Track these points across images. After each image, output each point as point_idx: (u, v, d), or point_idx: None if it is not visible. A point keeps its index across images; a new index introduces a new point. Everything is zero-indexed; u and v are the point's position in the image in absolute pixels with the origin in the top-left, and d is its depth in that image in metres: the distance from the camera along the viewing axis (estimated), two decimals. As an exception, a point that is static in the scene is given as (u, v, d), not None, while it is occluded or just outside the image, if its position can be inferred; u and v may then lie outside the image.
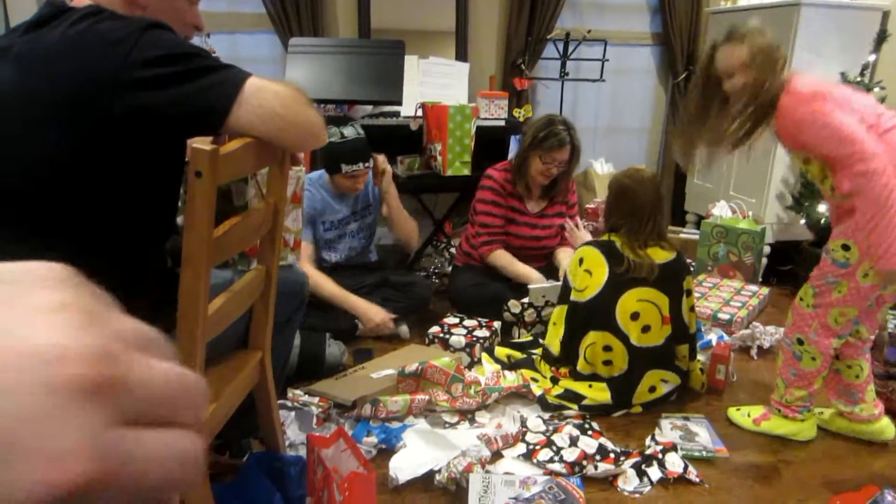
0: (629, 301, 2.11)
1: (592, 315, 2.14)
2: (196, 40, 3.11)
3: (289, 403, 1.98)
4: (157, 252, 1.30)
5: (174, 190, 1.27)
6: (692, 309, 2.22)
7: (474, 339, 2.44)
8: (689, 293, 2.21)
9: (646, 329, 2.12)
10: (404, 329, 2.63)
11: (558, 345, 2.22)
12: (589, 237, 2.78)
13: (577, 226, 2.90)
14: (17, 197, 1.11)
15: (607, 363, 2.14)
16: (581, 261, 2.19)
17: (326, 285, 2.50)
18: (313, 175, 2.65)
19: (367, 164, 2.55)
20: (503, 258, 2.76)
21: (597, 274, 2.14)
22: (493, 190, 2.78)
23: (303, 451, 1.76)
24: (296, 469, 1.53)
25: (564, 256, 2.77)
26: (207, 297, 1.12)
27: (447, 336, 2.45)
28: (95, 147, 1.10)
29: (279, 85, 1.17)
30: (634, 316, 2.11)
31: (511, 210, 2.80)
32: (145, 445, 0.23)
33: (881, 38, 3.18)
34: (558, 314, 2.25)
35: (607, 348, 2.13)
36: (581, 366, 2.16)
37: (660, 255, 2.16)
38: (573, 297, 2.18)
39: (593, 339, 2.13)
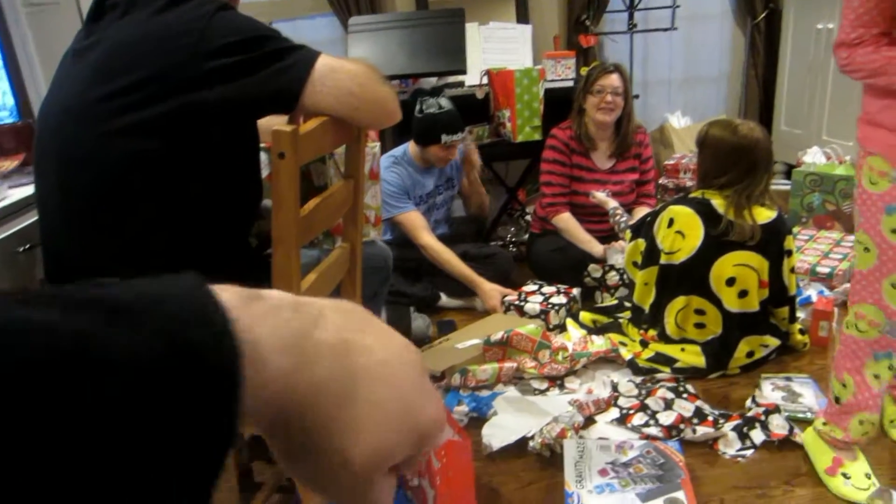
0: (725, 266, 2.01)
1: (684, 279, 2.05)
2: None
3: (378, 377, 2.02)
4: (244, 235, 1.32)
5: (254, 171, 1.28)
6: (792, 270, 2.10)
7: (549, 305, 2.40)
8: (790, 253, 2.08)
9: (742, 294, 2.02)
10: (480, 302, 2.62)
11: (649, 305, 2.16)
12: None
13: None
14: (111, 194, 1.14)
15: (699, 326, 2.06)
16: (671, 221, 2.09)
17: (454, 262, 2.52)
18: (396, 152, 2.67)
19: (463, 135, 2.60)
20: (567, 222, 2.70)
21: (690, 237, 2.04)
22: (555, 149, 2.73)
23: (396, 423, 1.79)
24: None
25: (601, 196, 2.67)
26: (300, 276, 1.14)
27: (523, 304, 2.43)
28: (178, 138, 1.12)
29: (352, 63, 1.16)
30: (730, 281, 2.01)
31: (578, 168, 2.73)
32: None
33: None
34: (648, 274, 2.17)
35: (699, 311, 2.05)
36: (671, 329, 2.09)
37: (762, 215, 2.04)
38: (663, 259, 2.10)
39: (684, 303, 2.06)
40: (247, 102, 1.12)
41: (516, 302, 2.44)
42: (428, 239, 2.53)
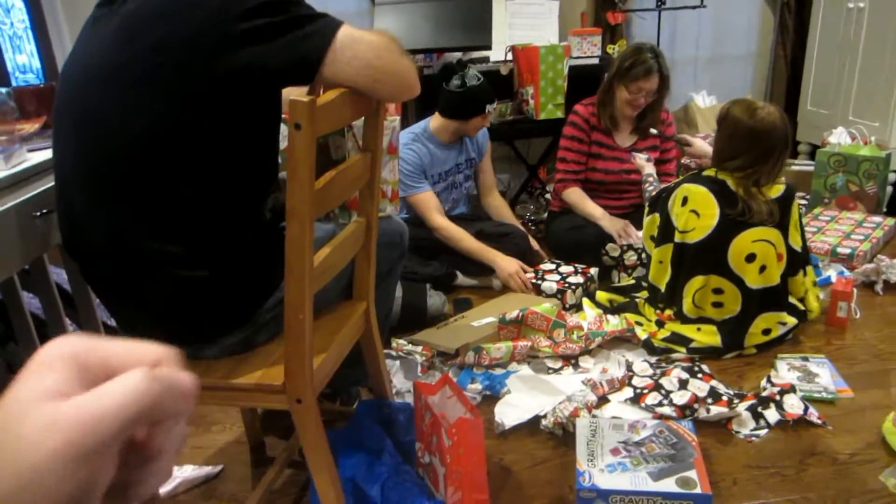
0: (743, 243, 1.99)
1: (701, 258, 2.04)
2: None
3: (393, 353, 2.04)
4: (260, 207, 1.33)
5: (273, 143, 1.28)
6: (801, 229, 2.11)
7: (566, 285, 2.39)
8: (796, 208, 2.10)
9: (762, 269, 2.01)
10: (498, 281, 2.62)
11: (665, 284, 2.14)
12: (708, 148, 2.60)
13: (688, 142, 2.74)
14: (128, 162, 1.14)
15: (717, 305, 2.05)
16: (685, 200, 2.08)
17: (465, 239, 2.52)
18: (416, 128, 2.66)
19: (496, 102, 2.64)
20: (574, 194, 2.69)
21: (705, 216, 2.02)
22: (574, 125, 2.70)
23: (409, 399, 1.80)
24: (405, 415, 1.57)
25: (641, 158, 2.66)
26: (313, 249, 1.15)
27: (540, 282, 2.42)
28: (199, 106, 1.12)
29: (373, 34, 1.16)
30: (750, 258, 1.99)
31: (597, 145, 2.70)
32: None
33: None
34: (663, 252, 2.16)
35: (718, 290, 2.03)
36: (688, 309, 2.08)
37: (774, 190, 2.03)
38: (678, 238, 2.09)
39: (702, 283, 2.04)
40: (267, 69, 1.11)
41: (533, 280, 2.44)
42: (440, 220, 2.53)
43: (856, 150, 3.11)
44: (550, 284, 2.40)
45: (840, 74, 3.49)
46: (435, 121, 2.65)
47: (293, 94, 1.05)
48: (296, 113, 1.03)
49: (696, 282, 2.05)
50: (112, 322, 1.83)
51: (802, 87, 3.86)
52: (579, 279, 2.43)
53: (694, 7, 3.50)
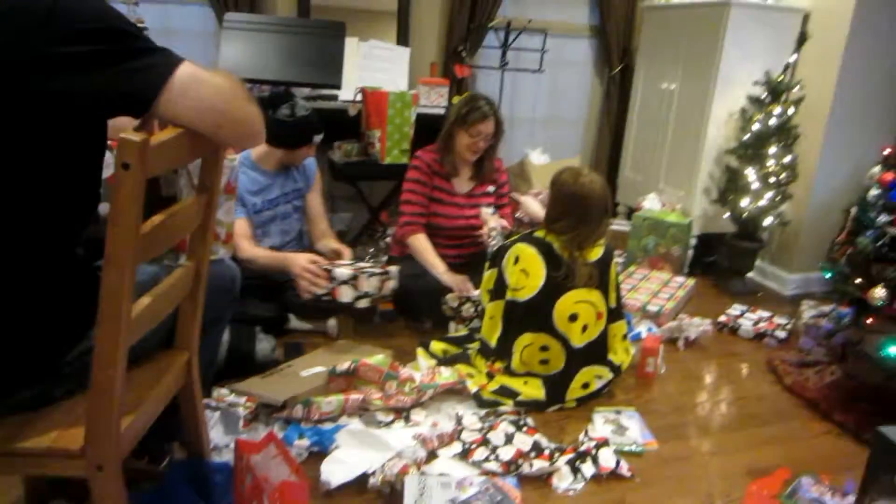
0: (567, 303, 2.12)
1: (528, 316, 2.14)
2: (123, 9, 2.91)
3: (213, 403, 1.89)
4: (72, 241, 1.19)
5: (93, 173, 1.15)
6: (617, 287, 2.28)
7: (360, 271, 2.34)
8: (613, 270, 2.26)
9: (584, 329, 2.14)
10: (332, 324, 2.56)
11: (496, 339, 2.21)
12: (539, 207, 2.75)
13: (519, 201, 2.88)
14: None
15: (544, 362, 2.15)
16: (517, 259, 2.18)
17: (260, 254, 2.39)
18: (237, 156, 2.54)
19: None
20: (418, 241, 2.72)
21: (533, 275, 2.13)
22: (418, 169, 2.76)
23: (228, 456, 1.68)
24: (222, 476, 1.46)
25: (487, 212, 2.74)
26: (132, 299, 1.04)
27: (332, 268, 2.32)
28: (8, 125, 0.99)
29: (218, 76, 1.08)
30: (573, 318, 2.12)
31: (437, 190, 2.77)
32: None
33: (801, 39, 3.31)
34: (495, 308, 2.24)
35: (544, 348, 2.14)
36: (516, 364, 2.16)
37: (594, 253, 2.19)
38: (509, 295, 2.17)
39: (530, 340, 2.14)
40: (92, 99, 1.01)
41: (326, 265, 2.34)
42: (248, 250, 2.37)
43: (665, 215, 3.47)
44: (343, 270, 2.32)
45: (654, 145, 3.89)
46: (258, 148, 2.56)
47: (126, 131, 0.95)
48: (125, 152, 0.93)
49: (525, 338, 2.14)
50: None
51: (623, 154, 4.25)
52: (375, 269, 2.39)
53: (533, 71, 3.75)
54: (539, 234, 2.22)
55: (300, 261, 2.33)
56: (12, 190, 1.04)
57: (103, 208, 1.22)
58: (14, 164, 1.02)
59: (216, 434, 1.79)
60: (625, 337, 2.31)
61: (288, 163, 2.59)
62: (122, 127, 1.01)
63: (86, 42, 0.98)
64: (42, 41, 0.95)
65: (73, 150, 1.09)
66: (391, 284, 2.43)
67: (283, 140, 2.51)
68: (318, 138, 2.59)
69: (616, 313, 2.28)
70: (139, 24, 2.69)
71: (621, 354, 2.29)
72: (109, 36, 1.00)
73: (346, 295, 2.30)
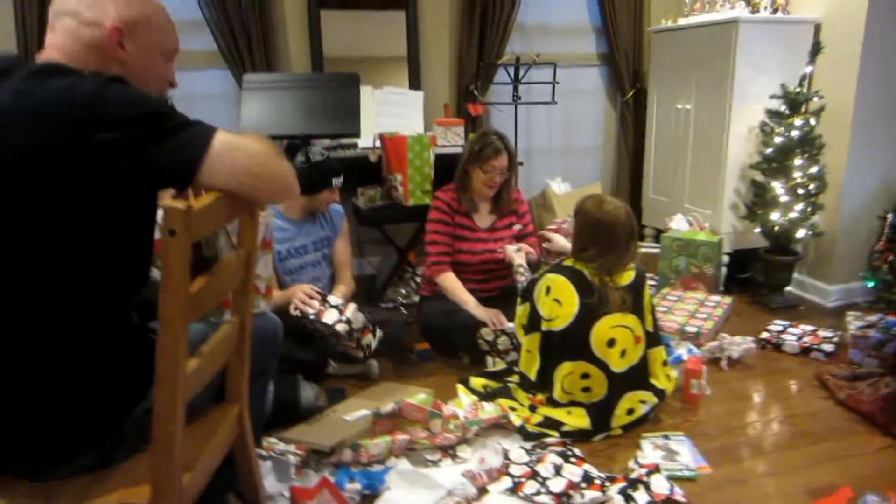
0: (603, 328, 2.12)
1: (566, 345, 2.14)
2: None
3: (264, 453, 1.92)
4: (128, 308, 1.24)
5: (146, 243, 1.22)
6: (652, 311, 2.25)
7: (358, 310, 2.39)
8: (647, 292, 2.24)
9: (623, 353, 2.13)
10: (374, 365, 2.58)
11: (535, 371, 2.21)
12: (566, 242, 2.76)
13: (548, 238, 2.90)
14: None
15: (586, 390, 2.14)
16: (548, 289, 2.19)
17: (277, 296, 2.42)
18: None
19: (342, 177, 2.67)
20: (447, 281, 2.75)
21: (566, 304, 2.14)
22: (439, 209, 2.80)
23: (283, 504, 1.70)
24: (281, 525, 1.47)
25: (511, 251, 2.75)
26: (186, 359, 1.08)
27: (326, 294, 2.41)
28: (58, 205, 1.06)
29: (249, 139, 1.14)
30: (611, 343, 2.11)
31: (459, 227, 2.81)
32: None
33: (815, 49, 3.31)
34: (531, 342, 2.24)
35: (585, 376, 2.13)
36: (558, 394, 2.15)
37: (625, 277, 2.19)
38: (544, 326, 2.18)
39: (570, 369, 2.13)
40: (138, 179, 1.08)
41: (322, 292, 2.40)
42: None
43: (694, 235, 3.45)
44: (335, 297, 2.40)
45: (675, 166, 3.90)
46: None
47: (169, 199, 1.00)
48: (171, 219, 0.98)
49: (565, 367, 2.14)
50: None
51: (644, 177, 4.26)
52: (366, 318, 2.40)
53: (546, 103, 3.79)
54: (568, 262, 2.23)
55: (302, 287, 2.42)
56: (71, 263, 1.10)
57: (154, 274, 1.28)
58: (72, 241, 1.09)
59: (269, 483, 1.81)
60: (665, 363, 2.29)
61: (312, 209, 2.65)
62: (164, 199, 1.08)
63: (125, 127, 1.05)
64: (87, 131, 1.03)
65: (125, 224, 1.16)
66: (372, 336, 2.44)
67: (302, 187, 2.56)
68: (337, 181, 2.63)
69: (654, 337, 2.27)
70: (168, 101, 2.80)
71: (663, 381, 2.26)
72: (146, 119, 1.07)
73: (330, 317, 2.33)
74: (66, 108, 1.03)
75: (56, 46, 1.17)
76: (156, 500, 1.08)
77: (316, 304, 2.34)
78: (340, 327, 2.32)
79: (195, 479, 1.19)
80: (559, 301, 2.15)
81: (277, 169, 1.18)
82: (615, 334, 2.12)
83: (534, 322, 2.23)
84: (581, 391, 2.14)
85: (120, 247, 1.16)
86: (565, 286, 2.15)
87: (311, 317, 2.32)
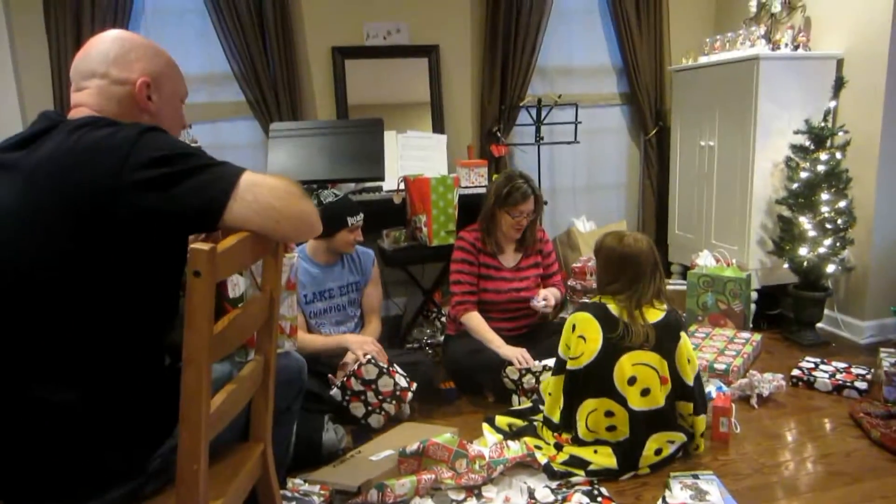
0: (625, 365, 2.10)
1: (590, 381, 2.12)
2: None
3: (289, 493, 1.93)
4: (159, 349, 1.28)
5: (175, 286, 1.27)
6: (689, 361, 2.19)
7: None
8: (681, 340, 2.18)
9: (645, 392, 2.10)
10: (406, 409, 2.58)
11: (559, 414, 2.20)
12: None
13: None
14: (19, 299, 1.12)
15: (611, 429, 2.12)
16: (574, 327, 2.19)
17: (314, 340, 2.50)
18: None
19: (361, 216, 2.68)
20: (473, 320, 2.76)
21: (591, 339, 2.13)
22: (463, 249, 2.82)
23: (308, 545, 1.70)
24: (304, 566, 1.47)
25: (539, 307, 2.79)
26: (209, 397, 1.11)
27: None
28: (98, 248, 1.12)
29: (273, 179, 1.20)
30: (631, 381, 2.09)
31: (484, 267, 2.83)
32: None
33: (839, 84, 3.31)
34: (554, 385, 2.23)
35: (609, 413, 2.11)
36: (583, 433, 2.13)
37: (653, 315, 2.17)
38: (570, 365, 2.17)
39: (594, 406, 2.11)
40: (171, 214, 1.13)
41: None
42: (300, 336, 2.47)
43: (721, 271, 3.42)
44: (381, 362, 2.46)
45: (700, 203, 3.89)
46: (309, 243, 2.70)
47: (193, 241, 1.05)
48: (196, 260, 1.02)
49: (589, 405, 2.12)
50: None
51: (669, 214, 4.25)
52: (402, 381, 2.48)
53: (569, 142, 3.84)
54: (593, 299, 2.23)
55: (358, 343, 2.48)
56: (107, 306, 1.15)
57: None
58: (107, 285, 1.14)
59: (293, 525, 1.81)
60: (690, 415, 2.20)
61: (335, 250, 2.69)
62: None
63: (159, 166, 1.11)
64: (126, 171, 1.10)
65: (158, 268, 1.21)
66: (404, 399, 2.50)
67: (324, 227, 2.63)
68: (353, 220, 2.63)
69: (687, 391, 2.18)
70: (193, 144, 2.92)
71: (697, 427, 2.21)
72: (178, 159, 1.13)
73: (371, 373, 2.41)
74: (106, 151, 1.11)
75: (89, 105, 1.25)
76: (180, 537, 1.10)
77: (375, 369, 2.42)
78: (382, 384, 2.38)
79: (219, 517, 1.20)
80: (584, 337, 2.14)
81: (299, 205, 1.22)
82: (636, 372, 2.10)
83: (559, 365, 2.23)
84: (606, 430, 2.12)
85: (152, 291, 1.20)
86: (590, 322, 2.15)
87: (350, 372, 2.40)
